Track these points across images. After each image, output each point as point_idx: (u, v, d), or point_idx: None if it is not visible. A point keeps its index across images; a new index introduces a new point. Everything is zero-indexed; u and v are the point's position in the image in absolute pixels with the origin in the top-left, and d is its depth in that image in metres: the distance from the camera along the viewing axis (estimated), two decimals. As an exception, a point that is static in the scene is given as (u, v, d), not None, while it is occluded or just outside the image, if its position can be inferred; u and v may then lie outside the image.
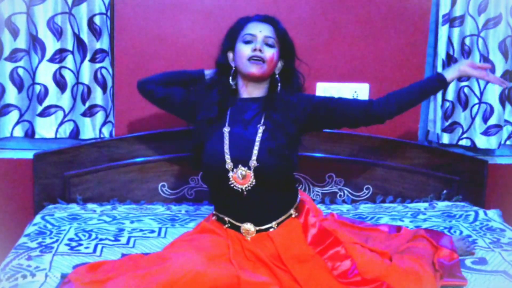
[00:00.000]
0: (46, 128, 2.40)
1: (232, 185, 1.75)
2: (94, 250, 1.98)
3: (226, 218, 1.81)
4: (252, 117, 1.80)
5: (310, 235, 1.80)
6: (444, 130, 2.62)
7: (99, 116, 2.45)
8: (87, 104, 2.43)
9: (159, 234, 2.15)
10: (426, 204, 2.55)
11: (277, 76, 1.83)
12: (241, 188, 1.74)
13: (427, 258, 1.86)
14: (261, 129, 1.77)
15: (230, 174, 1.74)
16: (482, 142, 2.60)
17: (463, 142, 2.62)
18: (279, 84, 1.82)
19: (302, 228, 1.81)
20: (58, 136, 2.43)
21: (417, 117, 2.65)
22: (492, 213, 2.43)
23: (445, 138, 2.63)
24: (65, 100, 2.40)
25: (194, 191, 2.52)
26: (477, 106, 2.59)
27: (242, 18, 1.86)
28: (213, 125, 1.80)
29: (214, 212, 1.88)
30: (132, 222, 2.25)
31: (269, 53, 1.77)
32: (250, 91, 1.83)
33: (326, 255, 1.76)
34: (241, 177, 1.74)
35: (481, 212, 2.44)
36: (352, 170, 2.57)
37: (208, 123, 1.80)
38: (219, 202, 1.85)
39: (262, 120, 1.79)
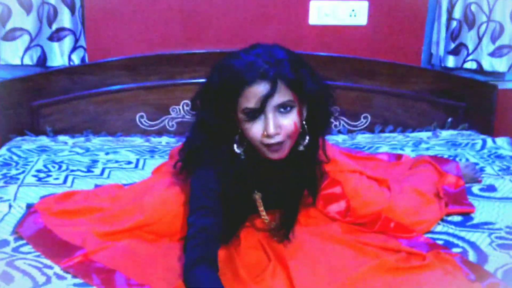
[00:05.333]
0: (11, 53, 2.20)
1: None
2: (65, 181, 1.83)
3: None
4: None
5: None
6: (450, 52, 2.41)
7: (67, 41, 2.24)
8: (54, 26, 2.22)
9: (136, 165, 2.00)
10: (429, 133, 2.39)
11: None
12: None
13: (430, 187, 1.72)
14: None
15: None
16: (489, 64, 2.40)
17: (468, 65, 2.43)
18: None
19: None
20: (24, 62, 2.23)
21: (421, 38, 2.45)
22: (501, 141, 2.27)
23: (450, 61, 2.44)
24: (31, 23, 2.19)
25: (176, 122, 2.36)
26: (485, 24, 2.37)
27: (232, 77, 1.23)
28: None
29: None
30: (107, 153, 2.10)
31: (288, 122, 1.27)
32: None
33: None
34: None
35: (489, 140, 2.28)
36: (348, 97, 2.40)
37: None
38: None
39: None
